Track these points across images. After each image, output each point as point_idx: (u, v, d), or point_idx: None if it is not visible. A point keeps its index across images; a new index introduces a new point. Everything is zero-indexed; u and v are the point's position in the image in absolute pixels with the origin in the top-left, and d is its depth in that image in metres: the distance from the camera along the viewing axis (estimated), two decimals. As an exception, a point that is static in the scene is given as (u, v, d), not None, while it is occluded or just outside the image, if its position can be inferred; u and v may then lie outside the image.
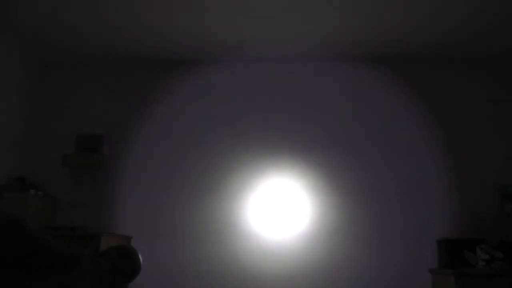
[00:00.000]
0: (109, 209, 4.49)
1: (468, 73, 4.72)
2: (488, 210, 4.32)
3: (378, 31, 4.19)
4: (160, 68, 4.87)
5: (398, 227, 4.31)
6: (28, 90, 4.66)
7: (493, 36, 4.27)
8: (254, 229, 4.36)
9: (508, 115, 4.58)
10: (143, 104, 4.78)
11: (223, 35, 4.29)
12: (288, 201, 4.43)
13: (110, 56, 4.77)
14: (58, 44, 4.52)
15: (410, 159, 4.49)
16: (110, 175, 4.58)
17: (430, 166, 4.47)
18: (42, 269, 0.32)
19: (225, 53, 4.67)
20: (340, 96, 4.70)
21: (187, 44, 4.47)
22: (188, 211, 4.44)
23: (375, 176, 4.45)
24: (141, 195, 4.51)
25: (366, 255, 4.26)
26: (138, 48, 4.58)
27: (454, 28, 4.13)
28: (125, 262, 0.39)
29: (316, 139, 4.59)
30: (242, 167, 4.53)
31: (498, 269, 3.48)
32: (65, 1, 3.77)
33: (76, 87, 4.89)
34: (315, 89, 4.73)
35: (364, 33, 4.22)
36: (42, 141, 4.74)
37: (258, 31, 4.21)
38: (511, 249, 3.78)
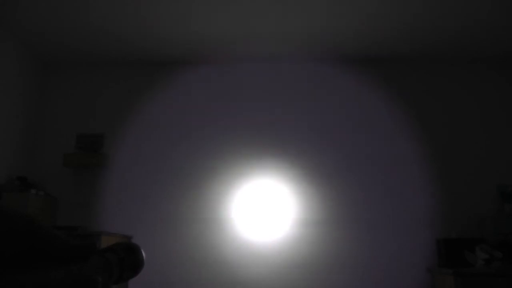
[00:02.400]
0: (109, 209, 4.50)
1: (466, 73, 4.72)
2: (488, 210, 4.32)
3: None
4: (159, 69, 4.88)
5: (398, 227, 4.32)
6: (28, 90, 4.67)
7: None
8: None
9: (507, 115, 4.58)
10: (142, 104, 4.79)
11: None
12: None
13: (110, 56, 4.77)
14: (58, 44, 4.53)
15: (409, 159, 4.50)
16: (110, 175, 4.59)
17: (430, 166, 4.47)
18: (57, 262, 0.33)
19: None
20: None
21: (182, 46, 4.48)
22: (186, 210, 4.45)
23: (372, 176, 4.46)
24: (141, 194, 4.52)
25: (365, 255, 4.26)
26: (137, 50, 4.59)
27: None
28: (131, 256, 0.40)
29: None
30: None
31: (497, 268, 3.48)
32: (65, 2, 3.78)
33: (76, 87, 4.90)
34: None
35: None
36: (43, 141, 4.75)
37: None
38: (511, 249, 3.78)
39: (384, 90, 4.70)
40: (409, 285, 4.15)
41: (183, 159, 4.60)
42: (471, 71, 4.72)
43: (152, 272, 4.30)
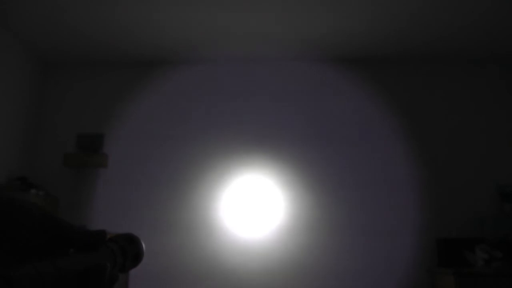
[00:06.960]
0: (109, 209, 4.50)
1: (464, 72, 4.73)
2: (488, 210, 4.33)
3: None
4: (159, 69, 4.88)
5: (397, 227, 4.32)
6: (28, 90, 4.67)
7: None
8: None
9: (507, 114, 4.59)
10: (142, 104, 4.79)
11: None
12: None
13: (110, 57, 4.78)
14: (58, 44, 4.53)
15: (408, 160, 4.50)
16: (110, 175, 4.59)
17: (429, 166, 4.48)
18: (69, 250, 0.34)
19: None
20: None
21: (182, 47, 4.48)
22: (185, 210, 4.45)
23: (371, 176, 4.46)
24: (141, 194, 4.52)
25: (364, 255, 4.26)
26: (137, 50, 4.59)
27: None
28: (132, 247, 0.42)
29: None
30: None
31: (497, 268, 3.49)
32: (65, 2, 3.78)
33: (76, 87, 4.90)
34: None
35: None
36: (43, 141, 4.75)
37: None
38: (511, 248, 3.78)
39: (380, 90, 4.70)
40: (409, 285, 4.16)
41: (184, 158, 4.60)
42: (470, 71, 4.73)
43: (153, 272, 4.30)
